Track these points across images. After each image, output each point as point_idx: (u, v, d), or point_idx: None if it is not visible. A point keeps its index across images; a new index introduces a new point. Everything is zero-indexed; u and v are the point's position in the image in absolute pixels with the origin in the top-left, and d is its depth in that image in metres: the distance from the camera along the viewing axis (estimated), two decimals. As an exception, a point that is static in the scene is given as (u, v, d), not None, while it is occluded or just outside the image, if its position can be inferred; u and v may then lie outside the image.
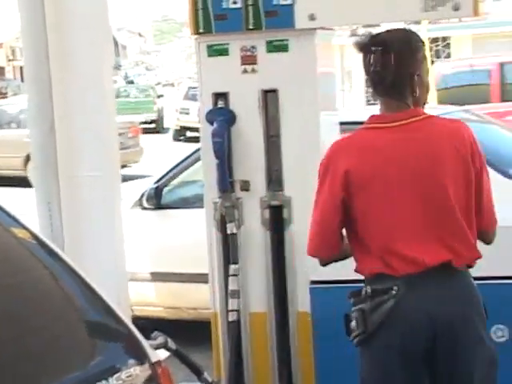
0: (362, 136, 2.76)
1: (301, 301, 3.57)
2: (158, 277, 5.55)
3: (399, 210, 2.65)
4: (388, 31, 2.76)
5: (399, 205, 2.65)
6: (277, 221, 3.61)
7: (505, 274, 3.36)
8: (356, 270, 2.80)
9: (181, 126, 22.74)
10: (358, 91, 22.96)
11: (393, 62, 2.67)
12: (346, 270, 3.50)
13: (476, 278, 2.73)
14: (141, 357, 2.06)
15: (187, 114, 21.86)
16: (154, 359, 2.09)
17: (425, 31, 16.39)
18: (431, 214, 2.65)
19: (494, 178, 5.07)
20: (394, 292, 2.64)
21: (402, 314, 2.64)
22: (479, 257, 2.71)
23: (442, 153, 2.67)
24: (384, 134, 2.69)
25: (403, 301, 2.63)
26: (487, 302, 3.01)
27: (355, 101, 22.51)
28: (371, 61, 2.69)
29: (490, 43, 21.27)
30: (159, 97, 29.94)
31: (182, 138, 22.46)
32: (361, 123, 6.01)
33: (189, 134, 21.77)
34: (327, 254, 2.82)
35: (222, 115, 3.56)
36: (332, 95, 3.99)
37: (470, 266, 2.73)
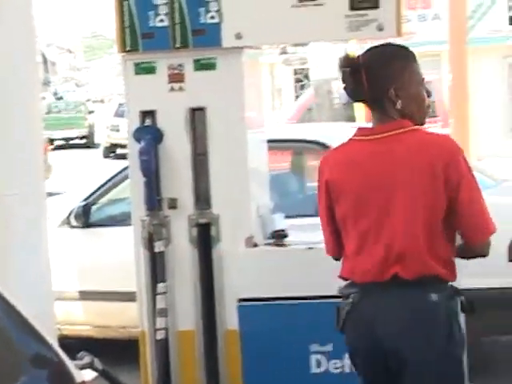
0: (346, 148, 2.88)
1: (229, 319, 3.57)
2: (86, 295, 5.49)
3: (362, 222, 2.79)
4: (369, 48, 2.84)
5: (363, 217, 2.78)
6: (205, 239, 3.61)
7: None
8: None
9: (111, 143, 22.64)
10: (289, 108, 23.10)
11: (364, 80, 2.76)
12: (273, 287, 3.53)
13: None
14: (65, 379, 2.03)
15: (117, 130, 21.74)
16: (78, 380, 2.07)
17: (352, 49, 16.61)
18: (385, 227, 2.75)
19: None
20: (351, 299, 2.82)
21: (354, 319, 2.82)
22: (435, 270, 2.75)
23: (409, 167, 2.73)
24: (366, 146, 2.80)
25: (357, 306, 2.81)
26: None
27: (286, 118, 22.63)
28: (344, 82, 2.80)
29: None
30: (90, 113, 30.31)
31: (112, 154, 22.33)
32: (288, 141, 6.06)
33: (119, 150, 21.64)
34: (334, 255, 2.99)
35: (150, 133, 3.55)
36: (260, 113, 4.01)
37: (442, 279, 2.78)
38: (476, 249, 2.86)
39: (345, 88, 2.82)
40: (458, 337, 2.81)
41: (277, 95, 24.07)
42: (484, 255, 2.88)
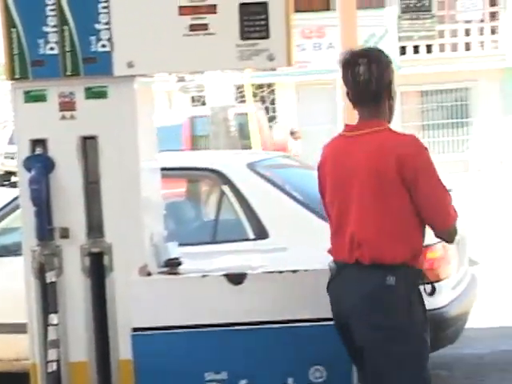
0: (334, 142, 3.41)
1: (123, 349, 3.53)
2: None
3: (337, 208, 3.30)
4: (364, 49, 3.38)
5: (338, 203, 3.29)
6: (97, 268, 3.56)
7: (316, 317, 3.44)
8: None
9: (5, 171, 22.21)
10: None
11: (376, 71, 3.23)
12: (168, 316, 3.51)
13: (289, 321, 2.88)
14: None
15: (12, 158, 21.31)
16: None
17: (248, 77, 16.77)
18: (350, 215, 3.23)
19: (313, 221, 5.26)
20: (331, 273, 3.33)
21: (330, 292, 3.33)
22: (393, 256, 3.16)
23: (371, 165, 3.19)
24: (347, 141, 3.31)
25: (332, 281, 3.32)
26: (303, 344, 3.17)
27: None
28: (360, 71, 3.22)
29: (311, 90, 21.98)
30: None
31: (6, 182, 21.88)
32: (184, 169, 6.05)
33: (14, 178, 21.22)
34: None
35: (40, 162, 3.50)
36: (153, 141, 4.00)
37: (401, 263, 3.17)
38: (440, 236, 3.31)
39: (360, 76, 3.22)
40: (417, 317, 3.17)
41: (175, 122, 24.03)
42: (448, 241, 3.36)
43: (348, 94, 3.34)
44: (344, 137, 3.33)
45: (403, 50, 22.29)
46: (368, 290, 3.15)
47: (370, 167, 3.18)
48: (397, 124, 22.76)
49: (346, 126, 3.36)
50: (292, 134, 18.87)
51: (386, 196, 3.17)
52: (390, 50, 21.78)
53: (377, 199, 3.17)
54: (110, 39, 3.44)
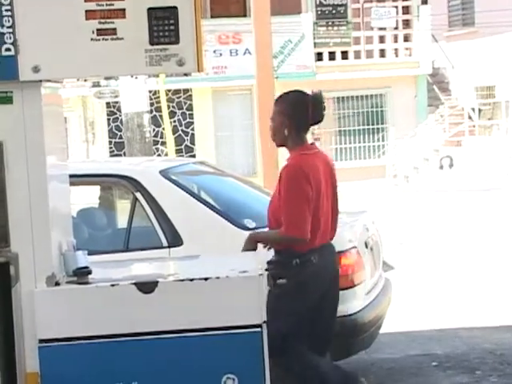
0: (309, 157, 4.57)
1: (29, 361, 3.45)
2: None
3: (321, 211, 4.57)
4: (302, 91, 4.70)
5: (322, 208, 4.58)
6: (3, 278, 3.47)
7: (228, 324, 3.43)
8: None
9: None
10: (102, 142, 22.89)
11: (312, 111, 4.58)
12: (76, 326, 3.45)
13: (201, 330, 2.82)
14: None
15: None
16: None
17: (162, 83, 16.70)
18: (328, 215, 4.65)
19: (228, 228, 5.25)
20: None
21: (319, 264, 4.61)
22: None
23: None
24: (316, 157, 4.61)
25: (319, 258, 4.62)
26: (215, 353, 3.14)
27: (99, 151, 22.41)
28: (307, 110, 4.55)
29: (228, 96, 22.01)
30: None
31: None
32: (96, 175, 5.94)
33: None
34: None
35: None
36: (62, 147, 3.93)
37: None
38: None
39: (309, 115, 4.55)
40: None
41: (90, 128, 23.79)
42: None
43: (295, 121, 4.55)
44: (312, 154, 4.60)
45: (319, 57, 22.55)
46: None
47: (328, 178, 4.63)
48: (312, 130, 23.03)
49: (306, 147, 4.60)
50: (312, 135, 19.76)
51: (335, 199, 4.73)
52: (306, 56, 22.02)
53: (333, 202, 4.69)
54: (14, 43, 3.36)
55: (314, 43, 22.37)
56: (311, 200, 4.47)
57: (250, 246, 4.54)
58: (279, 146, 4.66)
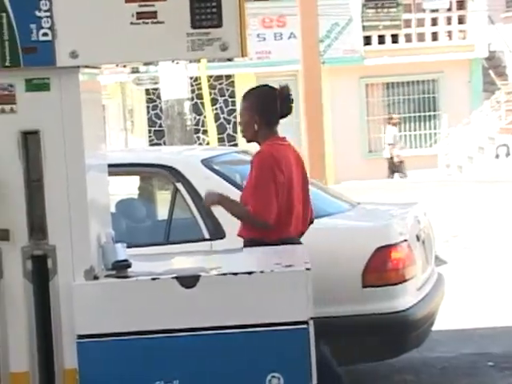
0: (282, 147, 4.74)
1: (68, 357, 3.49)
2: None
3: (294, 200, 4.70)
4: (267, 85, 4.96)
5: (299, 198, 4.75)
6: (40, 272, 3.51)
7: (273, 321, 3.43)
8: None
9: None
10: (141, 130, 23.01)
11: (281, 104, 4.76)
12: (116, 321, 3.47)
13: (244, 326, 2.83)
14: None
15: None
16: None
17: (203, 69, 16.73)
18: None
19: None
20: None
21: None
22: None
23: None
24: (284, 148, 4.76)
25: None
26: (259, 350, 3.14)
27: (138, 140, 22.54)
28: (277, 102, 4.74)
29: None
30: None
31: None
32: (135, 165, 5.98)
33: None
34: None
35: (-23, 159, 3.43)
36: (100, 135, 3.96)
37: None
38: None
39: (278, 109, 4.73)
40: None
41: (128, 116, 23.94)
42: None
43: (264, 116, 4.71)
44: (283, 145, 4.78)
45: (368, 40, 22.40)
46: None
47: (300, 173, 4.79)
48: (362, 117, 22.91)
49: (277, 138, 4.77)
50: (389, 119, 20.17)
51: (307, 194, 4.86)
52: (354, 40, 21.90)
53: (304, 197, 4.80)
54: (51, 27, 3.39)
55: (363, 26, 22.24)
56: (281, 187, 4.56)
57: (209, 201, 4.73)
58: (249, 141, 4.82)
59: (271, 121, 4.76)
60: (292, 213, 4.63)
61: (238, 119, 4.92)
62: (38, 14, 3.38)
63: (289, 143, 4.84)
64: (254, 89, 4.92)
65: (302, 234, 4.74)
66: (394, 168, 20.32)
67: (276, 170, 4.55)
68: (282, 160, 4.61)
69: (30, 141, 3.49)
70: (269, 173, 4.55)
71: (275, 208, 4.53)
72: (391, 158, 20.36)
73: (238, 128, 4.77)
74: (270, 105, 4.74)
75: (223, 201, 4.68)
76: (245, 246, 4.58)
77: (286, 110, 4.77)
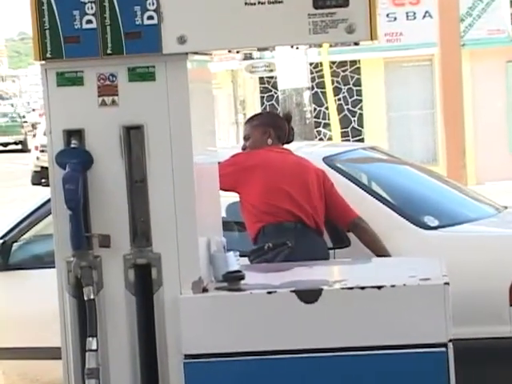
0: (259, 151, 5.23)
1: (174, 379, 3.54)
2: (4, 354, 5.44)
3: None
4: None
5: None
6: (144, 283, 3.58)
7: (407, 342, 3.43)
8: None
9: (41, 167, 22.39)
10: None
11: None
12: (227, 340, 3.51)
13: (374, 348, 2.82)
14: None
15: (49, 152, 21.58)
16: None
17: (325, 54, 16.71)
18: None
19: (404, 227, 5.21)
20: None
21: None
22: None
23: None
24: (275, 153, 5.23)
25: None
26: (390, 377, 3.10)
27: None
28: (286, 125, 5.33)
29: (404, 68, 21.81)
30: (24, 122, 43.12)
31: (43, 181, 22.15)
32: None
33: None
34: None
35: (76, 157, 3.51)
36: (210, 131, 4.01)
37: None
38: None
39: (286, 131, 5.31)
40: None
41: (240, 108, 24.14)
42: None
43: (277, 131, 5.25)
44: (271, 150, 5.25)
45: (516, 19, 21.96)
46: None
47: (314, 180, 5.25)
48: (509, 108, 22.35)
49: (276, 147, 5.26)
50: None
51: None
52: (500, 18, 21.50)
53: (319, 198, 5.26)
54: (157, 9, 3.45)
55: (511, 2, 21.84)
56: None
57: None
58: None
59: (281, 138, 5.26)
60: (284, 196, 5.04)
61: (243, 141, 5.34)
62: (142, -6, 3.45)
63: (288, 152, 5.28)
64: (259, 113, 5.74)
65: (319, 228, 5.09)
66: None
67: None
68: (254, 159, 5.12)
69: (132, 137, 3.55)
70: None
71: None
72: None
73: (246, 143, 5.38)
74: (281, 123, 5.30)
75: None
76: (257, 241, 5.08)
77: (290, 136, 5.33)
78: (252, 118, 5.47)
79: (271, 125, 5.26)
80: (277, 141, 5.24)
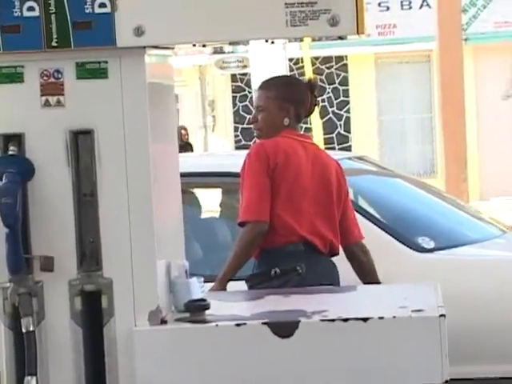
0: (275, 139, 4.90)
1: (125, 423, 3.54)
2: None
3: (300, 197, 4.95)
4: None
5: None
6: (93, 313, 3.57)
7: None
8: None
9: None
10: (225, 128, 23.22)
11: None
12: (189, 379, 3.52)
13: None
14: None
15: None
16: None
17: (306, 48, 16.79)
18: None
19: (396, 249, 5.23)
20: None
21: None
22: None
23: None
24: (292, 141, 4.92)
25: None
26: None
27: (220, 141, 22.75)
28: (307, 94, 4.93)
29: (397, 65, 21.93)
30: None
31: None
32: (215, 174, 6.09)
33: None
34: None
35: (14, 166, 3.51)
36: (171, 136, 4.01)
37: None
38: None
39: (308, 102, 4.92)
40: None
41: (209, 110, 24.21)
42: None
43: (297, 106, 4.88)
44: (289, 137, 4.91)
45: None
46: None
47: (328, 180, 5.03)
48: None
49: (293, 131, 4.94)
50: None
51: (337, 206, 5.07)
52: (508, 9, 21.68)
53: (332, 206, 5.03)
54: (110, -4, 3.46)
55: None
56: (265, 183, 4.76)
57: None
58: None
59: (301, 116, 4.95)
60: (295, 208, 4.79)
61: (253, 114, 5.03)
62: (93, -21, 3.46)
63: (308, 140, 5.03)
64: (275, 77, 5.13)
65: (334, 250, 4.88)
66: None
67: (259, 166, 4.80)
68: (278, 153, 4.78)
69: (81, 143, 3.55)
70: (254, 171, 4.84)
71: (264, 201, 4.72)
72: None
73: (252, 126, 5.07)
74: (303, 97, 4.92)
75: (222, 275, 4.86)
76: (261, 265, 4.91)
77: (312, 109, 5.00)
78: (268, 85, 5.02)
79: (291, 100, 4.89)
80: (295, 121, 4.94)
